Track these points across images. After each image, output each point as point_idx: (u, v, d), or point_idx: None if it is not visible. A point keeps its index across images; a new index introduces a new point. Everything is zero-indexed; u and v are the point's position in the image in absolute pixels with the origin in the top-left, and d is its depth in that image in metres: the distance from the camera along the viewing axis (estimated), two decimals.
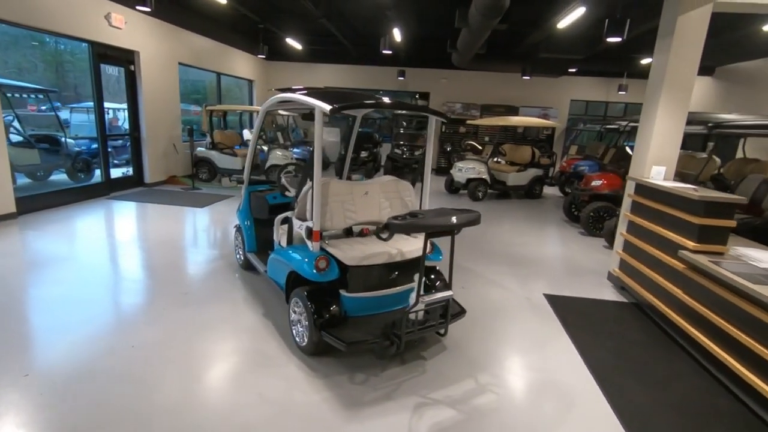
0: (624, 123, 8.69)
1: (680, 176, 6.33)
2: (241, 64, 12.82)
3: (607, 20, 5.85)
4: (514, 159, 10.62)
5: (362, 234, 3.53)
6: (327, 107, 2.75)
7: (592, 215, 7.05)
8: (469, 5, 6.69)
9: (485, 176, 9.74)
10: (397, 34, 9.75)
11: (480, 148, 11.95)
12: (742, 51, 9.30)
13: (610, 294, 4.65)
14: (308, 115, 4.41)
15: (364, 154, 12.15)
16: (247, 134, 11.71)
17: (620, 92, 13.06)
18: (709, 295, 3.19)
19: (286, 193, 4.10)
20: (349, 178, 4.82)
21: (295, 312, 3.18)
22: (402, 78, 13.53)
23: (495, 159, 10.28)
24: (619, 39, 5.78)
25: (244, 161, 9.98)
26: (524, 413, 2.62)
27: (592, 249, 6.37)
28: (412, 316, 2.87)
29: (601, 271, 5.34)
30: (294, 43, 12.16)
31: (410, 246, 3.21)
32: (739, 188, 5.88)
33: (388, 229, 2.50)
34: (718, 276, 3.00)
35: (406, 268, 3.17)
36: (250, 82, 13.96)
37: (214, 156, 9.85)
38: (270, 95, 15.04)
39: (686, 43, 4.14)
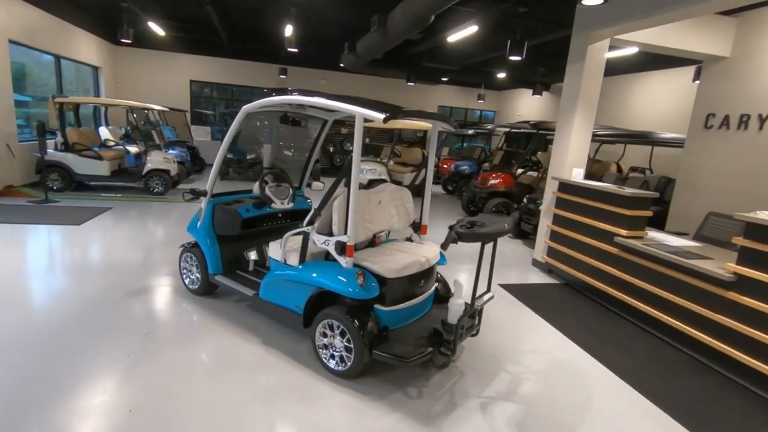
0: (505, 129, 10.02)
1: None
2: (86, 47, 10.58)
3: (509, 41, 6.72)
4: (407, 160, 11.29)
5: (373, 243, 3.42)
6: (380, 116, 2.60)
7: (493, 210, 8.01)
8: (386, 12, 6.88)
9: (385, 177, 10.13)
10: (288, 31, 9.35)
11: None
12: None
13: (541, 277, 5.43)
14: (284, 118, 3.99)
15: (252, 156, 11.34)
16: (105, 133, 9.75)
17: (479, 101, 14.98)
18: (644, 270, 4.04)
19: (273, 205, 3.68)
20: (308, 185, 4.54)
21: (325, 335, 2.92)
22: (284, 76, 13.00)
23: (392, 161, 10.78)
24: (519, 57, 6.70)
25: (112, 166, 8.35)
26: (563, 392, 2.96)
27: (501, 240, 7.24)
28: (448, 320, 2.93)
29: (522, 258, 6.17)
30: (157, 29, 10.57)
31: (432, 253, 3.26)
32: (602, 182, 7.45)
33: (460, 238, 2.52)
34: (656, 255, 3.83)
35: (429, 275, 3.22)
36: (96, 69, 11.61)
37: (70, 160, 7.94)
38: (120, 86, 12.85)
39: (593, 67, 5.09)
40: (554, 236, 5.37)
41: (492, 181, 8.34)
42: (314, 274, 2.94)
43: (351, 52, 9.25)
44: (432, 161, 3.58)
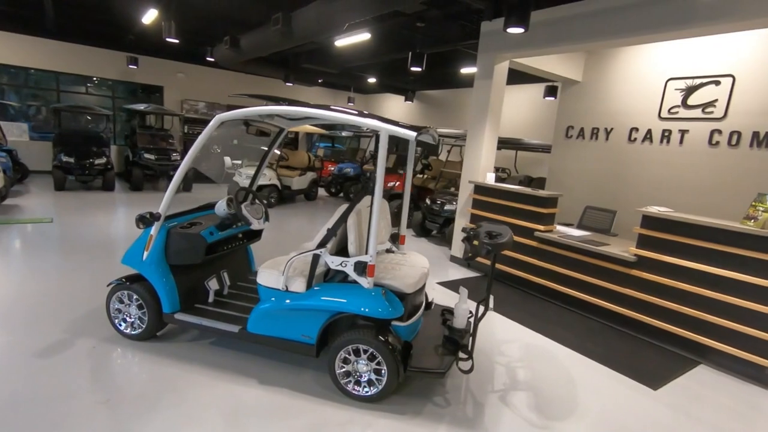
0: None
1: (446, 177, 8.49)
2: None
3: (410, 53, 7.13)
4: (293, 164, 10.90)
5: None
6: (412, 134, 2.57)
7: (395, 212, 8.40)
8: (283, 10, 6.52)
9: (276, 181, 9.63)
10: (151, 15, 8.04)
11: None
12: (437, 83, 12.94)
13: (462, 272, 5.98)
14: (249, 128, 3.51)
15: (101, 160, 9.42)
16: None
17: (349, 104, 15.31)
18: (561, 258, 4.86)
19: (253, 226, 3.22)
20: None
21: (347, 362, 2.75)
22: (134, 66, 11.09)
23: (280, 164, 10.30)
24: (419, 69, 7.17)
25: None
26: (545, 370, 3.40)
27: (408, 239, 7.68)
28: (456, 326, 3.10)
29: (436, 255, 6.69)
30: None
31: (426, 262, 3.36)
32: None
33: (492, 249, 2.68)
34: (571, 245, 4.66)
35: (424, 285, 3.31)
36: None
37: None
38: None
39: (498, 83, 5.81)
40: None
41: (390, 184, 8.73)
42: (338, 299, 2.73)
43: (233, 47, 8.47)
44: (410, 172, 3.66)
